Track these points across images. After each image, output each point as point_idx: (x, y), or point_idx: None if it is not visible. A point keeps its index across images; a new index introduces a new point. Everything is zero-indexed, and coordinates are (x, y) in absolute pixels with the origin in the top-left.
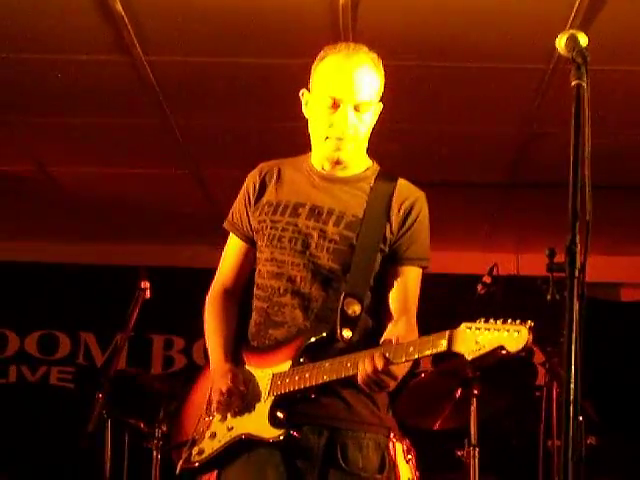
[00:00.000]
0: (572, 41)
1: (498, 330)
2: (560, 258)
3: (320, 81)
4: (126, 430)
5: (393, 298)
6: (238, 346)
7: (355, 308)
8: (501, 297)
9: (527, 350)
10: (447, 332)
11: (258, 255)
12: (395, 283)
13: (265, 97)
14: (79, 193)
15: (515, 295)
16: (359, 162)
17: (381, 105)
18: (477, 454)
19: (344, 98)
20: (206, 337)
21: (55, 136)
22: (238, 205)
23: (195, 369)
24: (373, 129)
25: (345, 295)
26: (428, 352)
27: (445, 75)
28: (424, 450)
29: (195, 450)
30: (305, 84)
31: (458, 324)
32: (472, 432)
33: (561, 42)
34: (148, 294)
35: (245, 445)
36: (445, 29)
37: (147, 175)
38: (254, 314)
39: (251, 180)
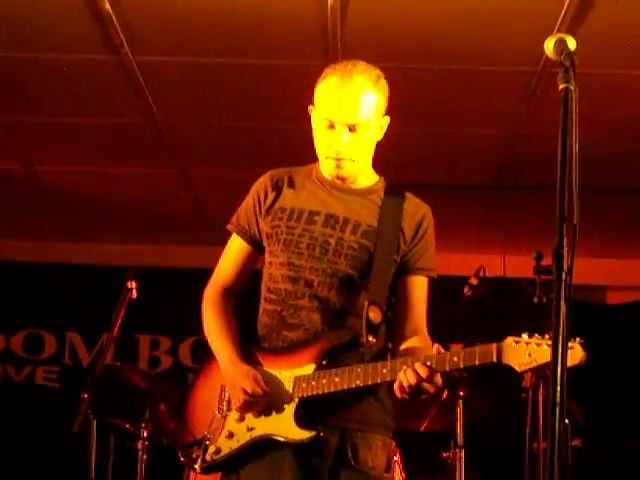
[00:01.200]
0: (560, 44)
1: (549, 346)
2: (547, 261)
3: (319, 102)
4: (111, 430)
5: (406, 307)
6: (247, 347)
7: (377, 315)
8: (488, 299)
9: (579, 365)
10: (494, 345)
11: (270, 259)
12: (408, 292)
13: (253, 98)
14: (65, 192)
15: (502, 297)
16: (366, 176)
17: (387, 119)
18: (463, 455)
19: (338, 120)
20: (210, 335)
21: (43, 135)
22: (246, 209)
23: (181, 369)
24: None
25: (369, 302)
26: (475, 362)
27: (432, 77)
28: (410, 451)
29: (212, 449)
30: (293, 85)
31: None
32: (458, 434)
33: (549, 45)
34: (134, 294)
35: (263, 447)
36: (433, 32)
37: (134, 175)
38: (263, 317)
39: (262, 185)
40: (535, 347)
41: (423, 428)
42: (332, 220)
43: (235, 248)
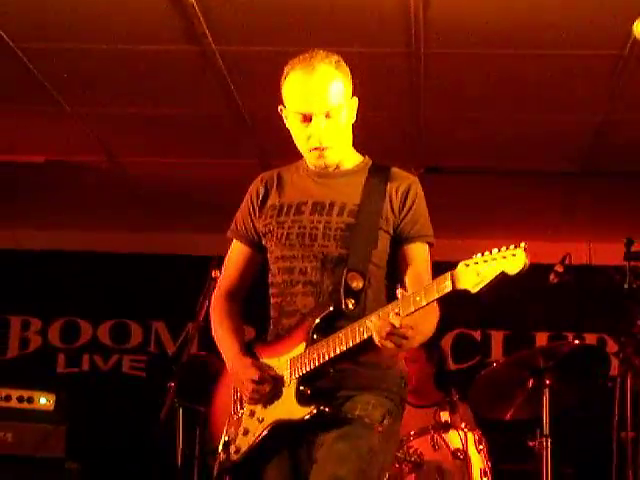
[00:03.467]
0: None
1: (495, 259)
2: (637, 247)
3: (288, 99)
4: (198, 419)
5: (411, 274)
6: (248, 344)
7: (358, 282)
8: (574, 286)
9: (526, 269)
10: (448, 273)
11: (269, 256)
12: (409, 260)
13: None
14: (148, 183)
15: (588, 284)
16: (349, 158)
17: (356, 100)
18: (549, 444)
19: (313, 111)
20: (217, 339)
21: (125, 126)
22: (242, 214)
23: None
24: (441, 117)
25: (348, 270)
26: (435, 295)
27: (516, 63)
28: (496, 440)
29: (232, 449)
30: (376, 73)
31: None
32: (544, 422)
33: (638, 27)
34: None
35: (277, 436)
36: (516, 17)
37: (217, 165)
38: (271, 312)
39: (254, 189)
40: (484, 264)
41: (509, 417)
42: (319, 207)
43: (236, 252)
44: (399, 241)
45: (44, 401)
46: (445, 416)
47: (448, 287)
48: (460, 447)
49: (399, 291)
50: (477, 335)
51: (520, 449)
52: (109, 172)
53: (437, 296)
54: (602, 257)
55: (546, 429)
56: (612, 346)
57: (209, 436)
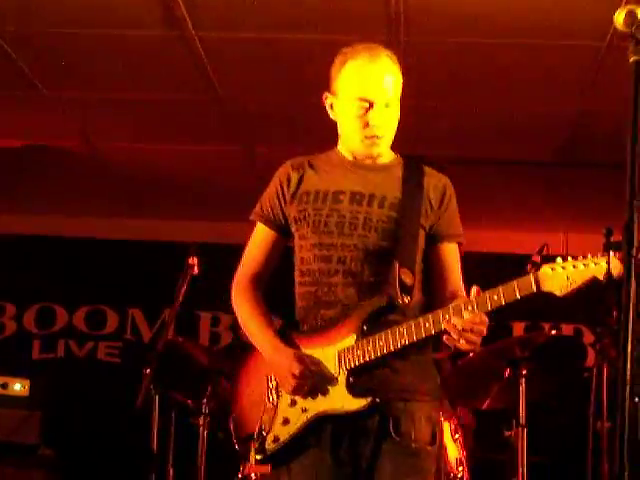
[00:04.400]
0: (631, 16)
1: (585, 265)
2: (616, 237)
3: (348, 85)
4: (173, 406)
5: (443, 274)
6: (284, 333)
7: (409, 278)
8: None
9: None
10: (531, 275)
11: (301, 243)
12: (442, 260)
13: (317, 73)
14: (128, 169)
15: None
16: (386, 153)
17: None
18: (525, 435)
19: (376, 99)
20: (248, 326)
21: (104, 111)
22: (269, 198)
23: (242, 346)
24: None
25: (400, 266)
26: (516, 296)
27: (496, 52)
28: (472, 430)
29: (270, 438)
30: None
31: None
32: (520, 412)
33: (620, 17)
34: (196, 270)
35: (316, 431)
36: (496, 5)
37: (196, 151)
38: (299, 300)
39: (284, 174)
40: (572, 269)
41: (485, 406)
42: (358, 197)
43: (260, 236)
44: (434, 239)
45: (19, 387)
46: None
47: (532, 289)
48: None
49: (473, 288)
50: None
51: (496, 439)
52: (87, 157)
53: (518, 297)
54: (579, 247)
55: (522, 419)
56: (589, 337)
57: (240, 423)
